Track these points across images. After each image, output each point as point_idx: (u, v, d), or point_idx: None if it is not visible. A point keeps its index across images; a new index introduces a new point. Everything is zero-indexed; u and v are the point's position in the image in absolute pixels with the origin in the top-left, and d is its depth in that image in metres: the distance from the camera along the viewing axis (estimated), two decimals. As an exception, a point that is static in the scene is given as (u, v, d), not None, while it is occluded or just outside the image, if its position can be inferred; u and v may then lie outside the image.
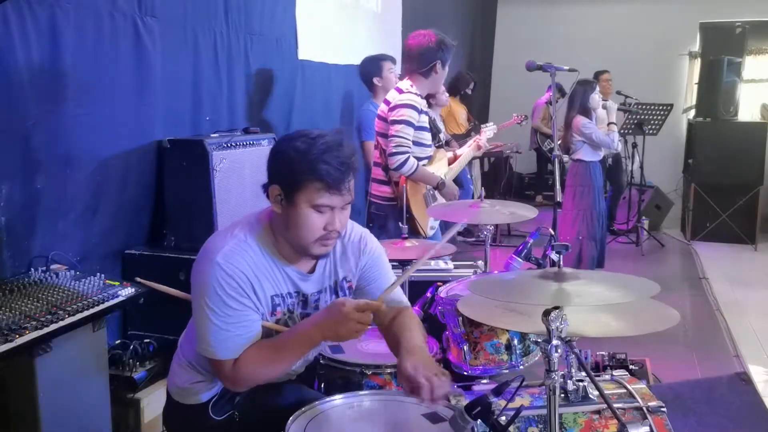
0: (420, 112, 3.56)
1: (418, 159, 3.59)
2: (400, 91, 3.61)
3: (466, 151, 4.14)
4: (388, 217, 3.69)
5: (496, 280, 1.82)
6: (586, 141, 5.32)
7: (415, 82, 3.59)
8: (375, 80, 4.65)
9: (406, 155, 3.48)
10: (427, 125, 3.68)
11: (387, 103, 3.63)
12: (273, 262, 1.84)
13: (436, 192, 3.76)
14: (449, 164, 3.99)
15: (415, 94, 3.56)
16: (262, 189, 1.87)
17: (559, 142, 5.04)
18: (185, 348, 2.00)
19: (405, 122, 3.49)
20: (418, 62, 3.57)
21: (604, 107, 5.48)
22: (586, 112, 5.31)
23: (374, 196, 3.84)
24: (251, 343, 1.79)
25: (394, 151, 3.48)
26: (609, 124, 5.46)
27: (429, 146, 3.70)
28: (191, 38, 3.51)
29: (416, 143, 3.57)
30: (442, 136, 5.09)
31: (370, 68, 4.70)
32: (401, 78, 3.76)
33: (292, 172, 1.75)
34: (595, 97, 5.34)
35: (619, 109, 6.55)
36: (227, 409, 1.98)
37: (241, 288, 1.77)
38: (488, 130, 4.46)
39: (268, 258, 1.83)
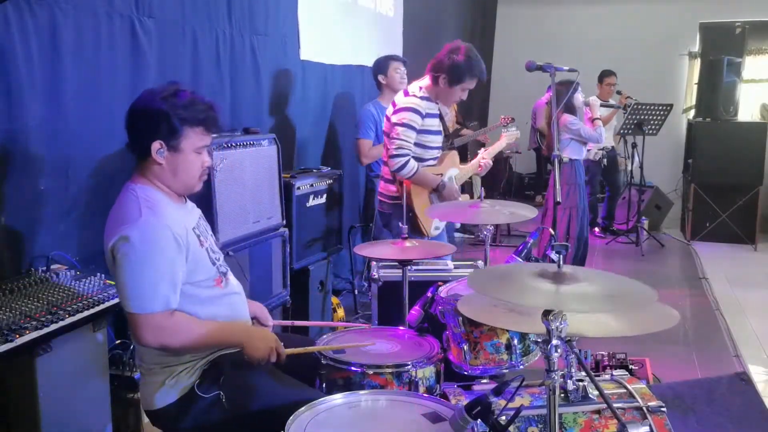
0: (424, 116, 3.57)
1: (422, 160, 3.62)
2: (406, 94, 3.64)
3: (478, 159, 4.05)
4: (392, 216, 3.71)
5: (494, 275, 1.81)
6: (574, 137, 5.38)
7: (427, 84, 3.62)
8: (380, 77, 4.75)
9: (406, 158, 3.52)
10: (436, 128, 3.68)
11: (393, 104, 3.66)
12: (175, 206, 2.09)
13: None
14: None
15: (420, 98, 3.58)
16: (131, 149, 2.07)
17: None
18: (147, 356, 2.09)
19: (406, 125, 3.53)
20: (431, 65, 3.61)
21: (586, 104, 5.55)
22: (571, 110, 5.37)
23: (381, 194, 3.86)
24: (178, 292, 1.99)
25: (394, 153, 3.53)
26: (594, 119, 5.53)
27: (436, 148, 3.71)
28: (190, 38, 3.50)
29: (421, 145, 3.60)
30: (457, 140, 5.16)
31: (379, 66, 4.80)
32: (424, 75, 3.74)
33: (174, 125, 2.01)
34: (578, 97, 5.42)
35: (602, 105, 6.54)
36: (213, 390, 2.06)
37: (171, 239, 1.97)
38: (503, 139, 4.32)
39: (171, 205, 2.07)
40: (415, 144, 3.58)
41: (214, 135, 2.15)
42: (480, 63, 3.57)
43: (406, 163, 3.52)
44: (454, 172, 3.85)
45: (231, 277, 2.25)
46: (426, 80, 3.64)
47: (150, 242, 1.94)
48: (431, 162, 3.69)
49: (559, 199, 3.43)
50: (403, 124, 3.53)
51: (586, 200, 5.50)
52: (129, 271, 1.93)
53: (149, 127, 2.02)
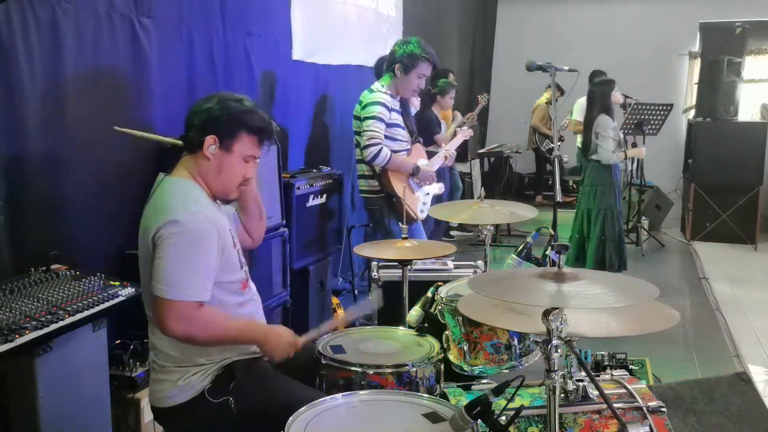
0: (390, 109, 3.85)
1: (394, 152, 3.88)
2: (372, 91, 3.90)
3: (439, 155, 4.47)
4: (382, 209, 3.96)
5: (495, 278, 1.81)
6: (611, 138, 5.39)
7: (387, 81, 3.91)
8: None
9: (379, 146, 3.77)
10: (401, 123, 3.96)
11: (359, 102, 3.91)
12: (213, 205, 2.12)
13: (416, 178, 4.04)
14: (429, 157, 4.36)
15: (385, 93, 3.86)
16: (184, 141, 2.10)
17: (559, 143, 4.97)
18: (163, 353, 2.08)
19: (376, 118, 3.79)
20: (387, 61, 3.97)
21: (628, 102, 5.68)
22: (608, 110, 5.40)
23: (364, 191, 4.02)
24: (210, 287, 1.99)
25: (367, 143, 3.79)
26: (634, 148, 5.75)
27: (404, 141, 3.99)
28: (187, 39, 3.50)
29: (391, 138, 3.87)
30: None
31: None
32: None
33: (232, 125, 2.06)
34: (617, 95, 5.49)
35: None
36: (222, 395, 2.05)
37: (214, 233, 2.00)
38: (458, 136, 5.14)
39: (211, 203, 2.10)
40: (386, 137, 3.84)
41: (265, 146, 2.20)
42: (430, 49, 3.87)
43: (380, 151, 3.77)
44: (422, 162, 4.17)
45: (251, 283, 2.27)
46: (385, 78, 3.94)
47: (197, 231, 1.96)
48: (403, 153, 3.97)
49: (559, 199, 3.45)
50: (372, 117, 3.79)
51: (620, 202, 5.53)
52: (172, 255, 1.93)
53: (207, 122, 2.06)
